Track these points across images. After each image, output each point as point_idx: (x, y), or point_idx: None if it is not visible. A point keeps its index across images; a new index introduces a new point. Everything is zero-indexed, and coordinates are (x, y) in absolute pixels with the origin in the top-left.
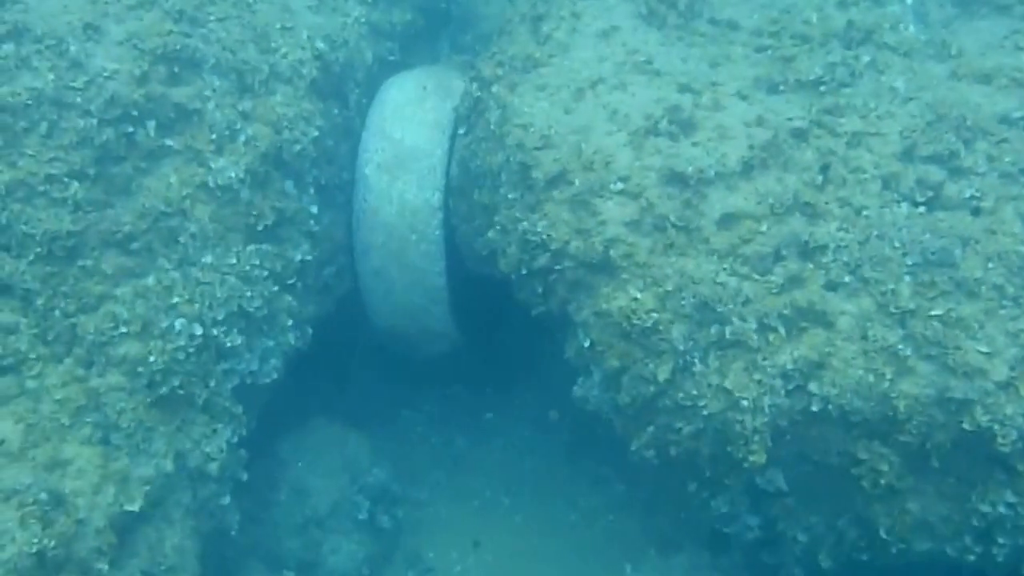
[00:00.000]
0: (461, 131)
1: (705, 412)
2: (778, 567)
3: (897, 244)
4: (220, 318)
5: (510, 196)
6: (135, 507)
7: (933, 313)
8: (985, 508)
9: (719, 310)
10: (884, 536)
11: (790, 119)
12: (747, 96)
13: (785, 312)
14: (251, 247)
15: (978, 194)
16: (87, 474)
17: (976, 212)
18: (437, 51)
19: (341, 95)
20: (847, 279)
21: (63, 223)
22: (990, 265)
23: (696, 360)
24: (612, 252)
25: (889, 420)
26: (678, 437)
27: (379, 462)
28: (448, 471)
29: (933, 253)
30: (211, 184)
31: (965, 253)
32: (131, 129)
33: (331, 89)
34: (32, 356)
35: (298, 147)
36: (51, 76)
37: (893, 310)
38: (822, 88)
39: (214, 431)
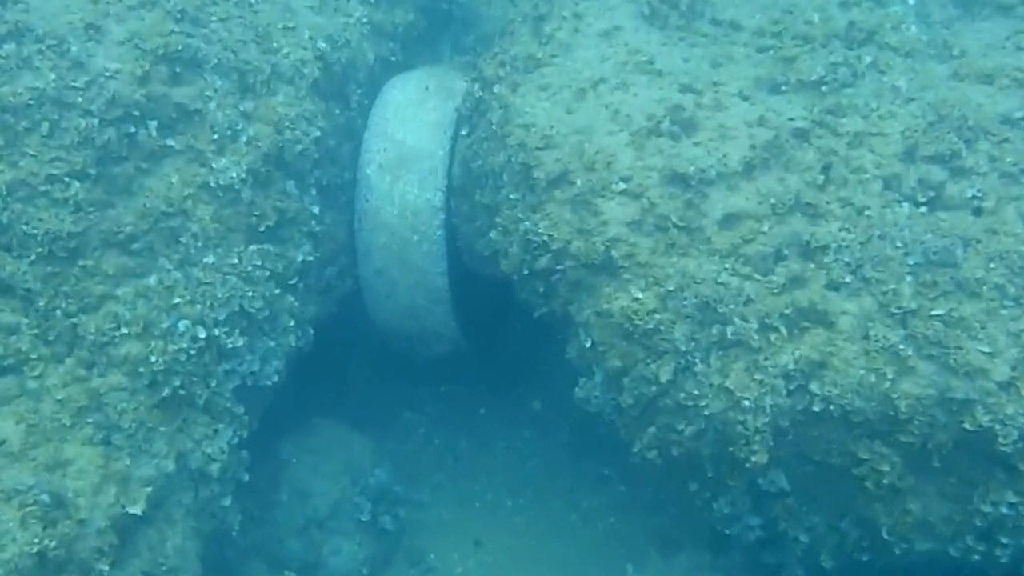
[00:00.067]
0: (463, 131)
1: (706, 412)
2: (779, 567)
3: (899, 244)
4: (221, 318)
5: (512, 196)
6: (138, 510)
7: (934, 313)
8: (986, 508)
9: (720, 310)
10: (886, 536)
11: (792, 119)
12: (749, 96)
13: (786, 312)
14: (253, 247)
15: (980, 194)
16: (88, 474)
17: (978, 212)
18: (439, 52)
19: (343, 95)
20: (848, 279)
21: (64, 223)
22: (991, 265)
23: (697, 360)
24: (614, 252)
25: (890, 420)
26: (679, 437)
27: (381, 463)
28: (450, 472)
29: (935, 253)
30: (212, 184)
31: (967, 253)
32: (132, 129)
33: (333, 89)
34: (33, 356)
35: (300, 147)
36: (52, 76)
37: (895, 310)
38: (824, 88)
39: (215, 431)
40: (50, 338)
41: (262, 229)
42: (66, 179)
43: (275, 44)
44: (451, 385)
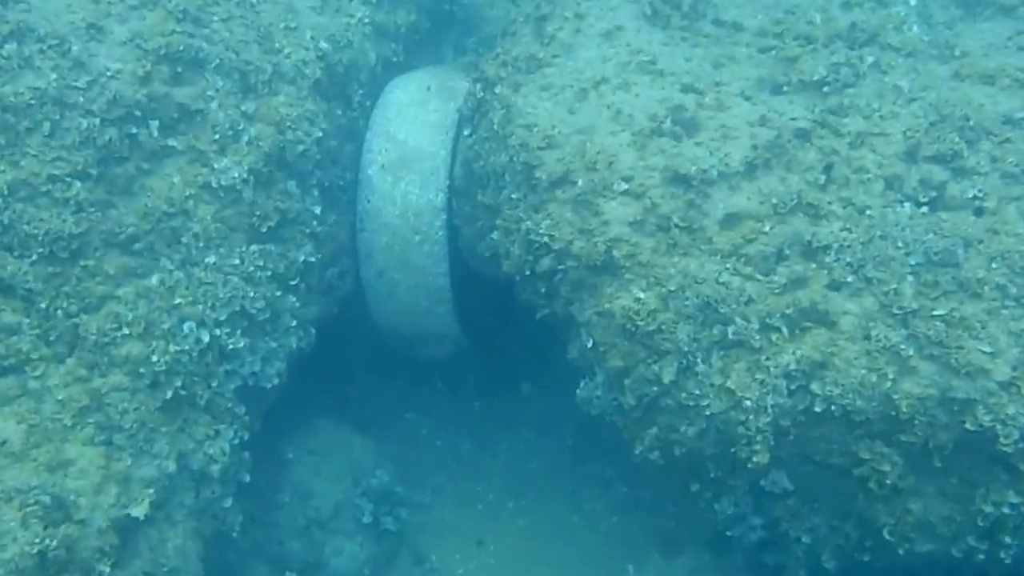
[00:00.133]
0: (465, 132)
1: (708, 412)
2: (781, 568)
3: (900, 244)
4: (223, 319)
5: (513, 196)
6: (140, 513)
7: (936, 313)
8: (988, 509)
9: (722, 310)
10: (887, 537)
11: (794, 119)
12: (751, 96)
13: (788, 312)
14: (254, 248)
15: (981, 194)
16: (89, 475)
17: (979, 212)
18: (441, 54)
19: (345, 96)
20: (850, 279)
21: (66, 223)
22: (993, 265)
23: (699, 360)
24: (615, 252)
25: (892, 420)
26: (681, 437)
27: (383, 464)
28: (451, 474)
29: (936, 253)
30: (214, 184)
31: (968, 253)
32: (134, 129)
33: (335, 90)
34: (34, 356)
35: (301, 147)
36: (54, 76)
37: (896, 310)
38: (826, 88)
39: (216, 432)
40: (51, 338)
41: (263, 229)
42: (67, 179)
43: (277, 44)
44: (453, 386)
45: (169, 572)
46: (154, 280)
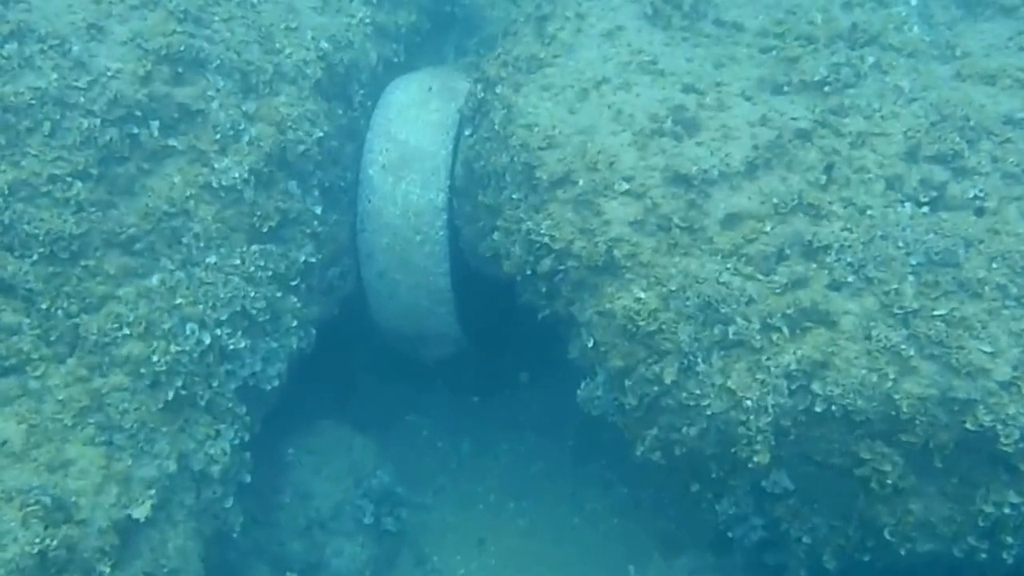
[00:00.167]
0: (466, 132)
1: (708, 412)
2: (781, 568)
3: (901, 244)
4: (223, 319)
5: (514, 196)
6: (142, 516)
7: (936, 313)
8: (989, 509)
9: (723, 310)
10: (888, 537)
11: (794, 119)
12: (751, 96)
13: (788, 312)
14: (255, 248)
15: (982, 194)
16: (90, 475)
17: (980, 212)
18: (443, 54)
19: (345, 96)
20: (851, 279)
21: (66, 223)
22: (993, 265)
23: (699, 360)
24: (616, 252)
25: (892, 420)
26: (682, 437)
27: (383, 465)
28: (452, 475)
29: (937, 253)
30: (215, 184)
31: (968, 253)
32: (135, 129)
33: (336, 90)
34: (35, 356)
35: (302, 147)
36: (54, 76)
37: (897, 310)
38: (826, 88)
39: (217, 432)
40: (52, 338)
41: (264, 230)
42: (68, 179)
43: (278, 44)
44: (454, 387)
45: (170, 572)
46: (155, 280)
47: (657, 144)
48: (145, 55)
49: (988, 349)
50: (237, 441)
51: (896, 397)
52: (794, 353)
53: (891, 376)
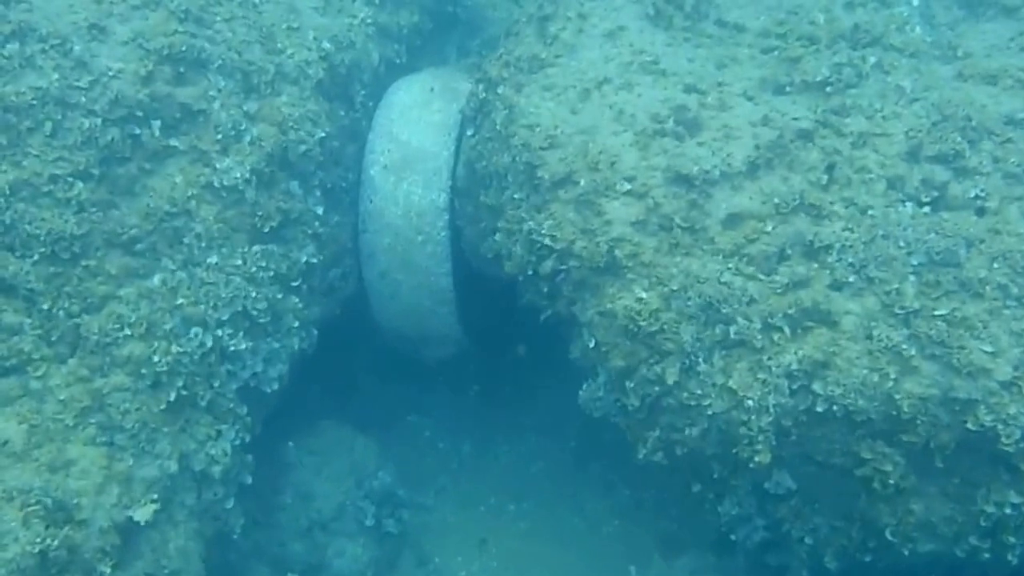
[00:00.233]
0: (468, 132)
1: (710, 412)
2: (783, 569)
3: (902, 244)
4: (225, 319)
5: (516, 196)
6: (144, 519)
7: (937, 313)
8: (990, 509)
9: (724, 310)
10: (889, 537)
11: (796, 119)
12: (753, 96)
13: (790, 312)
14: (256, 248)
15: (983, 194)
16: (91, 475)
17: (981, 212)
18: (445, 55)
19: (347, 96)
20: (852, 279)
21: (67, 223)
22: (994, 265)
23: (701, 360)
24: (617, 252)
25: (893, 420)
26: (683, 437)
27: (385, 466)
28: (454, 476)
29: (938, 253)
30: (216, 185)
31: (970, 253)
32: (136, 129)
33: (337, 90)
34: (36, 357)
35: (304, 148)
36: (55, 76)
37: (898, 310)
38: (828, 89)
39: (218, 432)
40: (53, 338)
41: (266, 230)
42: (69, 179)
43: (279, 45)
44: (455, 388)
45: (171, 573)
46: (156, 280)
47: (659, 144)
48: (147, 55)
49: (989, 349)
50: (238, 442)
51: (897, 397)
52: (795, 353)
53: (892, 376)
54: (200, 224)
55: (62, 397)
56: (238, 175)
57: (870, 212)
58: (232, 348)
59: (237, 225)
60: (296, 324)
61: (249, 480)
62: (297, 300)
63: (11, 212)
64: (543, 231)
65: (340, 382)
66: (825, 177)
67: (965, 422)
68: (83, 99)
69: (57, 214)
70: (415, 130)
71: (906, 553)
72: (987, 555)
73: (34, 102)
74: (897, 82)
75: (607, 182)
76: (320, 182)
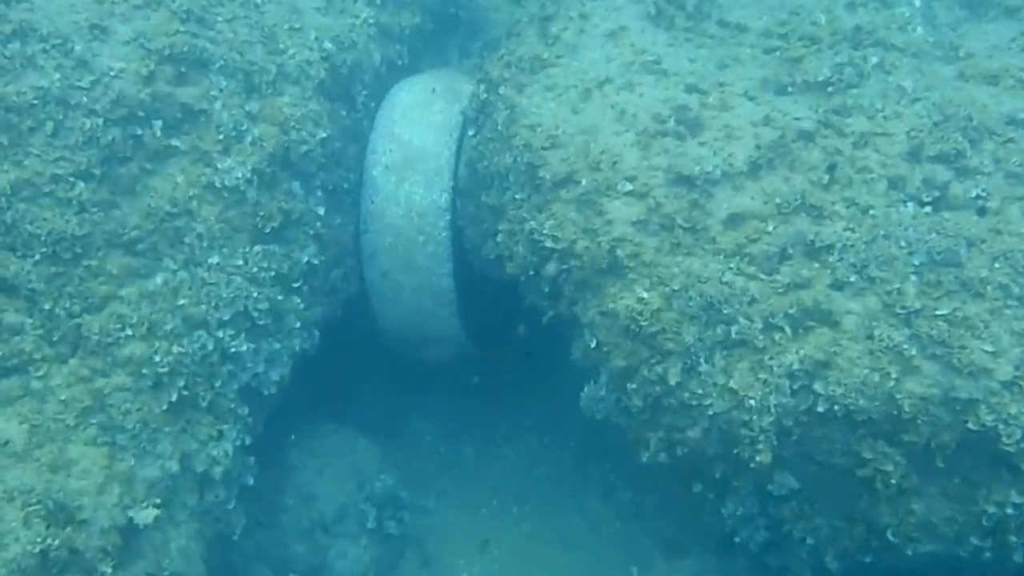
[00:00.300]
0: (469, 132)
1: (711, 412)
2: (784, 570)
3: (903, 244)
4: (226, 319)
5: (517, 197)
6: (145, 522)
7: (939, 313)
8: (991, 509)
9: (725, 310)
10: (890, 537)
11: (797, 119)
12: (755, 96)
13: (791, 312)
14: (258, 248)
15: (984, 194)
16: (92, 475)
17: (982, 212)
18: (446, 56)
19: (349, 97)
20: (853, 279)
21: (69, 223)
22: (996, 265)
23: (702, 360)
24: (619, 252)
25: (894, 420)
26: (684, 438)
27: (387, 468)
28: (456, 478)
29: (939, 253)
30: (218, 185)
31: (971, 253)
32: (137, 129)
33: (339, 91)
34: (37, 357)
35: (305, 148)
36: (57, 75)
37: (899, 310)
38: (830, 89)
39: (220, 433)
40: (54, 339)
41: (267, 230)
42: (71, 179)
43: (281, 45)
44: (457, 390)
45: (172, 574)
46: (157, 280)
47: (660, 144)
48: (148, 55)
49: (990, 349)
50: (239, 442)
51: (898, 397)
52: (796, 353)
53: (893, 376)
54: (201, 224)
55: (63, 397)
56: (239, 175)
57: (871, 212)
58: (233, 349)
59: (238, 225)
60: (298, 325)
61: (251, 481)
62: (299, 301)
63: (12, 212)
64: (544, 231)
65: (342, 383)
66: (826, 177)
67: (966, 422)
68: (84, 99)
69: (58, 214)
70: (417, 130)
71: (908, 553)
72: (988, 555)
73: (35, 102)
74: (898, 82)
75: (608, 182)
76: (322, 182)
